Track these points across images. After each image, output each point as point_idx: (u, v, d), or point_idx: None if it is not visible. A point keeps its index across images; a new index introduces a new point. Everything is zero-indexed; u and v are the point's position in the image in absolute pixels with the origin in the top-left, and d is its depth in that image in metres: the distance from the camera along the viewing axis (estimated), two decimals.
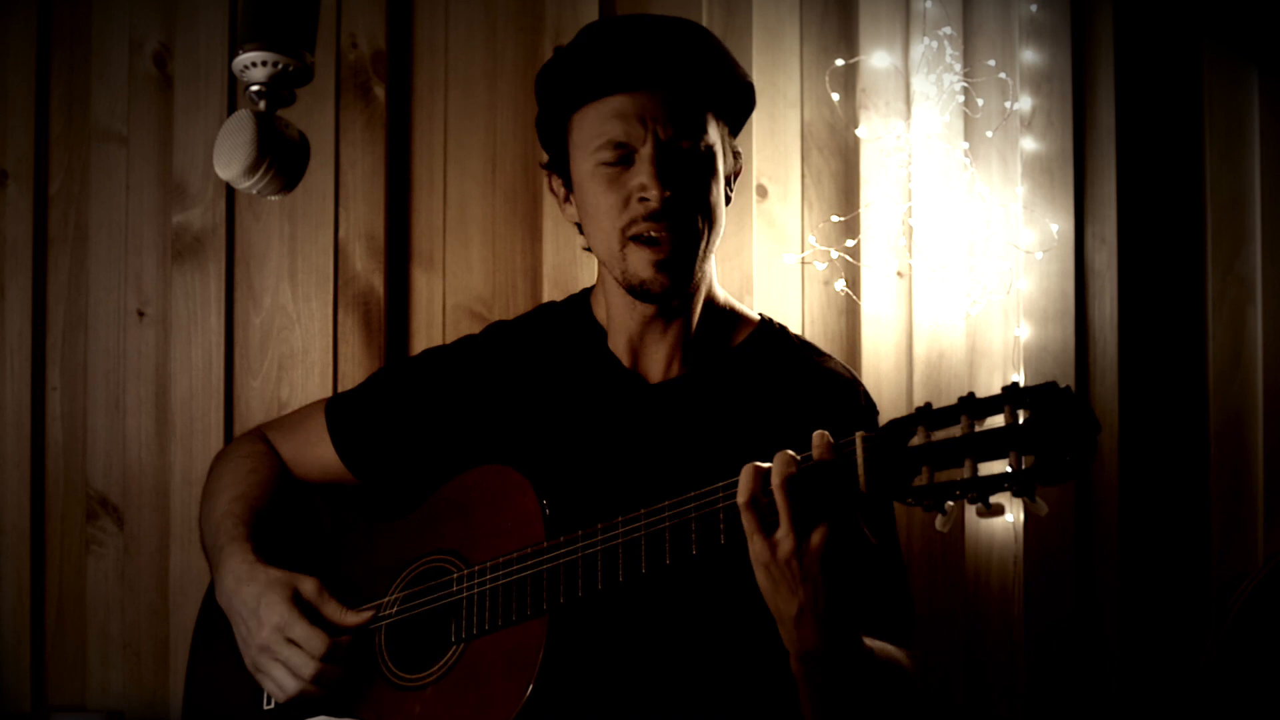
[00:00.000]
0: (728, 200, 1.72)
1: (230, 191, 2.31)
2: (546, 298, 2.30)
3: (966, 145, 2.36)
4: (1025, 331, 2.37)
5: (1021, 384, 2.33)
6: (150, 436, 2.32)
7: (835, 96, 2.38)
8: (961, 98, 2.37)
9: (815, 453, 1.34)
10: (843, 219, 2.38)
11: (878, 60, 2.38)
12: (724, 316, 1.78)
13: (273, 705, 1.69)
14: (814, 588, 1.34)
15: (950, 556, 2.34)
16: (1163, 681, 2.42)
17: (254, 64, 1.54)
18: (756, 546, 1.34)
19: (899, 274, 2.38)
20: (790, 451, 1.34)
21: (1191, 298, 2.48)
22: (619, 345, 1.75)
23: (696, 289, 1.72)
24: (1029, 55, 2.40)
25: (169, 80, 2.33)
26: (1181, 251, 2.48)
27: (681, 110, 1.62)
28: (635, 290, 1.66)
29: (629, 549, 1.45)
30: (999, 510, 1.23)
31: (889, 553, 1.68)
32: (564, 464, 1.68)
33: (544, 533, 1.54)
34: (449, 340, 2.06)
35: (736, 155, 1.74)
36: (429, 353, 1.88)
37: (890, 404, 2.35)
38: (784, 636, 1.40)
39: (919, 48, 2.38)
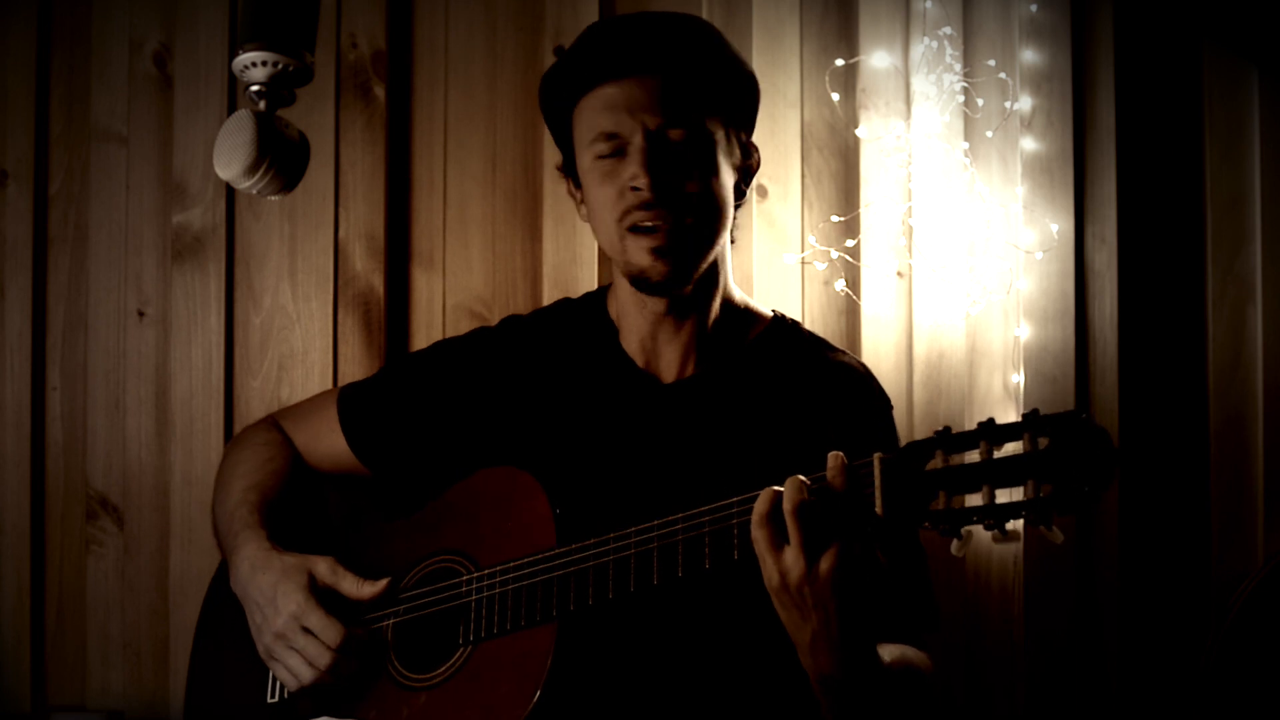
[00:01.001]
0: (740, 195, 1.72)
1: (230, 191, 2.31)
2: (547, 297, 2.30)
3: (966, 145, 2.36)
4: (1025, 331, 2.37)
5: (1022, 384, 2.36)
6: (150, 436, 2.31)
7: (835, 96, 2.38)
8: (961, 98, 2.37)
9: (830, 475, 1.32)
10: (843, 219, 2.38)
11: (878, 60, 2.38)
12: (738, 315, 1.77)
13: (277, 698, 1.69)
14: (825, 613, 1.33)
15: (950, 557, 2.34)
16: (1163, 681, 2.41)
17: (254, 64, 1.54)
18: (768, 570, 1.33)
19: (899, 274, 2.38)
20: (802, 477, 1.32)
21: (1191, 298, 2.47)
22: (631, 345, 1.75)
23: (708, 285, 1.72)
24: (1029, 55, 2.40)
25: (169, 80, 2.33)
26: (1181, 251, 2.48)
27: (672, 100, 1.62)
28: (637, 280, 1.67)
29: (641, 559, 1.45)
30: (1015, 537, 1.23)
31: (911, 553, 1.68)
32: (576, 465, 1.68)
33: (555, 537, 1.53)
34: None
35: (747, 151, 1.73)
36: (442, 344, 1.88)
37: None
38: (801, 660, 1.39)
39: (919, 48, 2.38)
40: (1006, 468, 1.21)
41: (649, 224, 1.63)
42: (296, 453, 1.86)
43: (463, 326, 2.29)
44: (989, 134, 2.37)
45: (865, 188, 2.37)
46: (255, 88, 1.56)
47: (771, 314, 1.81)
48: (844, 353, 1.79)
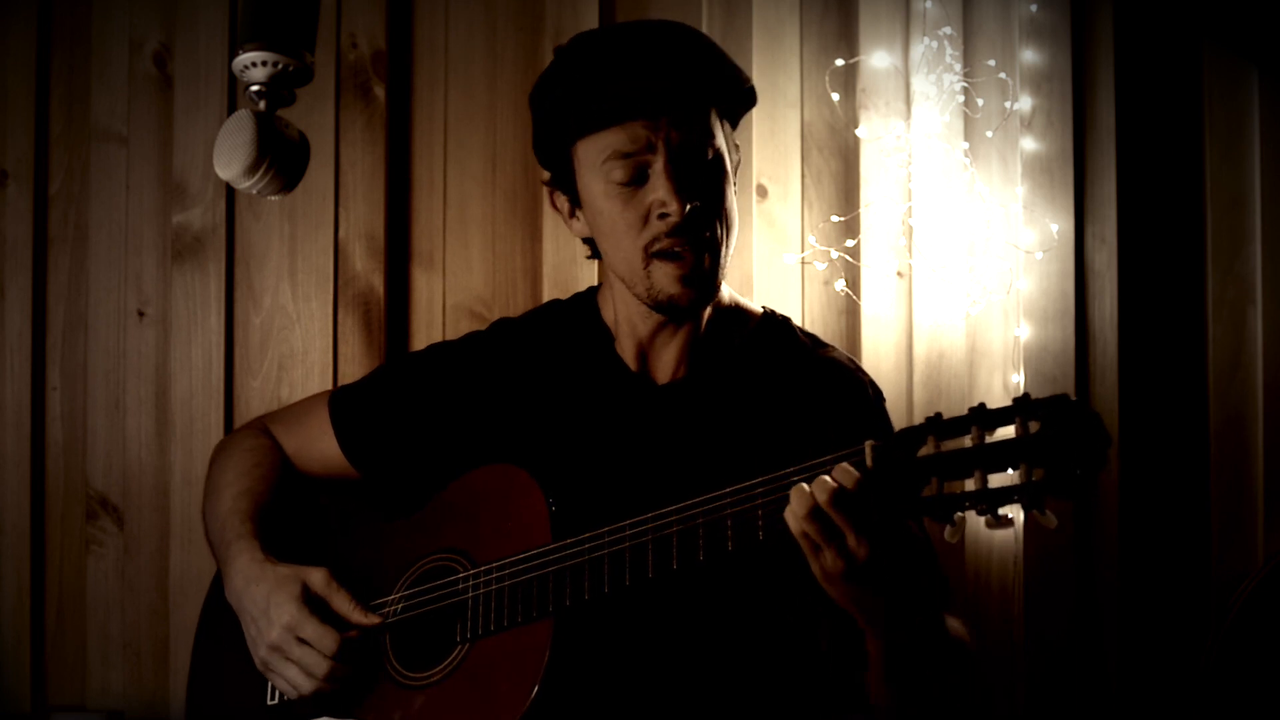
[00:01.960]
0: (733, 186, 1.71)
1: (230, 191, 2.31)
2: (546, 297, 2.30)
3: (966, 145, 2.36)
4: (1025, 331, 2.37)
5: (1022, 384, 2.36)
6: (150, 436, 2.31)
7: (835, 96, 2.38)
8: (961, 98, 2.37)
9: (867, 460, 1.32)
10: (843, 219, 2.38)
11: (878, 60, 2.38)
12: (729, 314, 1.77)
13: (276, 700, 1.69)
14: (895, 587, 1.36)
15: (950, 557, 2.34)
16: (1163, 682, 2.42)
17: (254, 64, 1.54)
18: (828, 562, 1.33)
19: (899, 274, 2.38)
20: (847, 465, 1.32)
21: (1191, 298, 2.47)
22: (627, 349, 1.74)
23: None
24: (1029, 55, 2.40)
25: (169, 80, 2.33)
26: (1181, 251, 2.48)
27: (689, 121, 1.59)
28: (662, 306, 1.64)
29: (636, 553, 1.45)
30: (1008, 522, 1.23)
31: (917, 534, 1.68)
32: (570, 466, 1.68)
33: (551, 534, 1.53)
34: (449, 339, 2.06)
35: (736, 148, 1.73)
36: (435, 347, 1.88)
37: (890, 404, 2.32)
38: (870, 638, 1.44)
39: (919, 48, 2.38)
40: (998, 452, 1.21)
41: (678, 250, 1.60)
42: (285, 457, 1.85)
43: (463, 326, 2.29)
44: (989, 134, 2.37)
45: (865, 188, 2.37)
46: (255, 88, 1.56)
47: (762, 310, 1.81)
48: (833, 348, 1.79)
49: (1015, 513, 1.29)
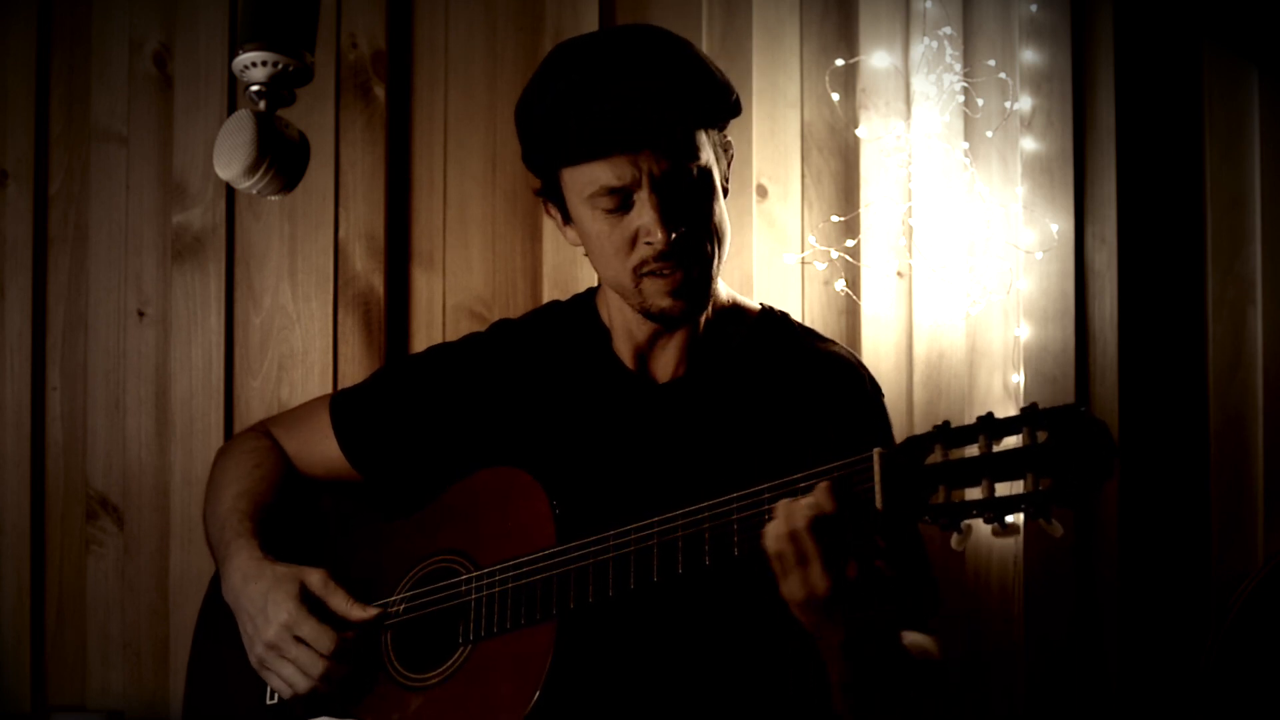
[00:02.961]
0: (724, 194, 1.70)
1: (230, 191, 2.31)
2: (546, 298, 2.30)
3: (966, 145, 2.36)
4: (1025, 331, 2.37)
5: (1022, 384, 2.36)
6: (150, 436, 2.32)
7: (835, 96, 2.38)
8: (961, 98, 2.37)
9: (819, 499, 1.33)
10: (843, 219, 2.38)
11: (878, 60, 2.38)
12: (727, 313, 1.77)
13: (275, 699, 1.69)
14: (852, 621, 1.36)
15: (950, 557, 2.34)
16: (1163, 681, 2.42)
17: (254, 64, 1.54)
18: (792, 585, 1.34)
19: (899, 274, 2.38)
20: (803, 500, 1.33)
21: (1191, 298, 2.48)
22: (624, 350, 1.74)
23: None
24: (1029, 55, 2.40)
25: (169, 80, 2.33)
26: (1181, 251, 2.48)
27: (672, 148, 1.57)
28: (655, 317, 1.65)
29: (641, 556, 1.45)
30: (1014, 530, 1.23)
31: (910, 541, 1.68)
32: (571, 467, 1.68)
33: (555, 536, 1.53)
34: (449, 340, 2.06)
35: (727, 149, 1.71)
36: (435, 349, 1.88)
37: (890, 404, 2.32)
38: (827, 663, 1.42)
39: (919, 48, 2.38)
40: (1006, 461, 1.22)
41: (666, 271, 1.60)
42: (287, 459, 1.85)
43: (463, 326, 2.29)
44: (989, 134, 2.37)
45: (865, 188, 2.37)
46: (255, 88, 1.56)
47: (760, 307, 1.81)
48: (833, 342, 1.79)
49: (1017, 517, 1.30)
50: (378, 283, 2.33)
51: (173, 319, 2.32)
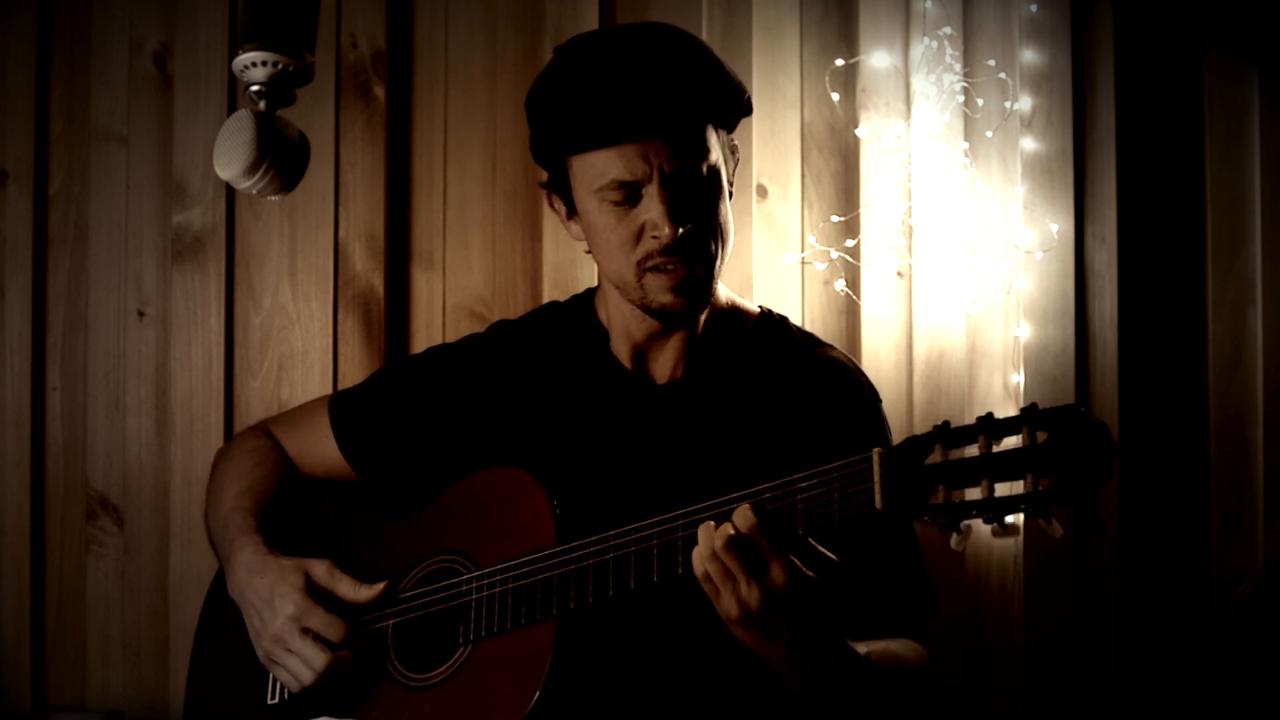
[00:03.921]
0: (730, 196, 1.70)
1: (230, 191, 2.31)
2: (546, 298, 2.30)
3: (966, 145, 2.36)
4: (1025, 331, 2.37)
5: (1022, 384, 2.36)
6: (150, 436, 2.32)
7: (835, 96, 2.38)
8: (961, 98, 2.37)
9: (739, 523, 1.35)
10: (843, 219, 2.38)
11: (878, 60, 2.38)
12: (726, 315, 1.77)
13: (277, 699, 1.69)
14: (793, 629, 1.37)
15: (950, 557, 2.34)
16: (1163, 681, 2.42)
17: (254, 64, 1.54)
18: (726, 603, 1.36)
19: (899, 274, 2.38)
20: (725, 524, 1.36)
21: (1191, 298, 2.48)
22: (622, 350, 1.75)
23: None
24: (1029, 55, 2.40)
25: (169, 80, 2.33)
26: (1181, 251, 2.48)
27: (683, 142, 1.58)
28: (656, 314, 1.66)
29: (641, 556, 1.45)
30: (1014, 530, 1.24)
31: (905, 545, 1.68)
32: (570, 467, 1.68)
33: (555, 536, 1.53)
34: (449, 340, 2.06)
35: (734, 151, 1.72)
36: (434, 350, 1.88)
37: (890, 404, 2.35)
38: (775, 670, 1.43)
39: (919, 48, 2.38)
40: (1005, 462, 1.22)
41: (670, 267, 1.60)
42: (288, 458, 1.86)
43: (463, 326, 2.29)
44: (989, 134, 2.37)
45: (865, 188, 2.37)
46: (255, 88, 1.56)
47: (759, 309, 1.81)
48: (832, 347, 1.79)
49: (1017, 517, 1.30)
50: (378, 283, 2.33)
51: (173, 319, 2.32)
